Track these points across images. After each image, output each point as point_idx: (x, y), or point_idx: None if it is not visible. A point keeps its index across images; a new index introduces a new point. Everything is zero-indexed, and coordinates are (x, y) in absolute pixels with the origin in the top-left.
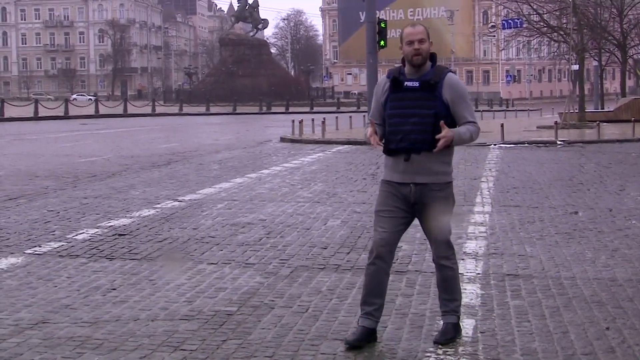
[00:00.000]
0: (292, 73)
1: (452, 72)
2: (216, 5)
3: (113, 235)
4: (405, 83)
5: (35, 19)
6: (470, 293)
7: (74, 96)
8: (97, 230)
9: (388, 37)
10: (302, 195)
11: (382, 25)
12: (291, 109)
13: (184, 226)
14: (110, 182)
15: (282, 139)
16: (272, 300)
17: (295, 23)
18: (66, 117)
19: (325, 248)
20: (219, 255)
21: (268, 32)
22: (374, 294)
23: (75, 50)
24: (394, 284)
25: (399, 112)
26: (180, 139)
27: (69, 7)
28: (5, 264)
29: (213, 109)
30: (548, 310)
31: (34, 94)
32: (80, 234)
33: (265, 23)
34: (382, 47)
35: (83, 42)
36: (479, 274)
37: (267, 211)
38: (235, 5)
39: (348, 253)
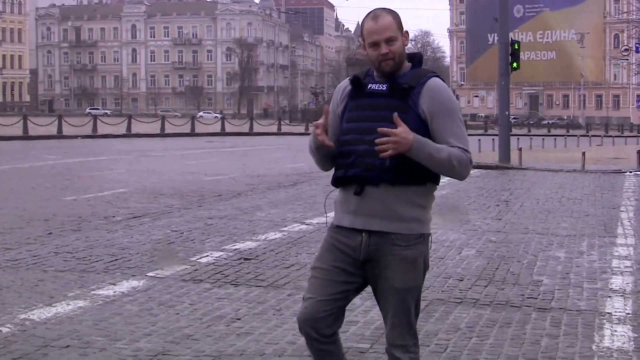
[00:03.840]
0: None
1: (439, 77)
2: (343, 25)
3: (238, 259)
4: (370, 86)
5: (165, 36)
6: (621, 336)
7: (200, 113)
8: (221, 253)
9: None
10: (434, 221)
11: (516, 46)
12: None
13: (312, 252)
14: (236, 202)
15: None
16: None
17: (422, 44)
18: (192, 134)
19: (461, 280)
20: None
21: None
22: None
23: (203, 68)
24: (538, 323)
25: (355, 127)
26: (306, 159)
27: (197, 25)
28: (126, 287)
29: None
30: None
31: (161, 111)
32: (204, 256)
33: None
34: (515, 69)
35: (211, 60)
36: (629, 313)
37: None
38: None
39: (486, 286)
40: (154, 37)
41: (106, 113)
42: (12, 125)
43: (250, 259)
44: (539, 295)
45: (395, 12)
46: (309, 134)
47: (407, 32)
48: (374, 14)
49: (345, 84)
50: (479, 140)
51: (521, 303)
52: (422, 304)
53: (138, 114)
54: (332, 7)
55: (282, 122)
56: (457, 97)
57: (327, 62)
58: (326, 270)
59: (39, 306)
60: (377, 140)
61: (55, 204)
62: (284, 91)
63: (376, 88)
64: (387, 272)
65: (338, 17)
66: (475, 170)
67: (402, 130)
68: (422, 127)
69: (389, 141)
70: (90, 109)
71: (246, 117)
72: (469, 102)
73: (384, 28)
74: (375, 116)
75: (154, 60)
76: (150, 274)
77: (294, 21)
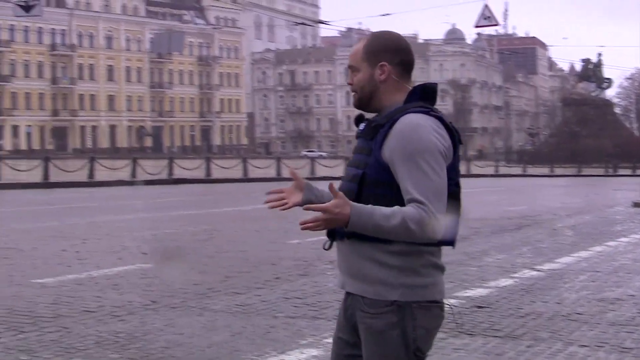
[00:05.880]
0: (638, 134)
1: (426, 112)
2: (557, 65)
3: (471, 307)
4: (360, 126)
5: None
6: None
7: None
8: (454, 300)
9: None
10: None
11: None
12: (639, 172)
13: (546, 300)
14: (462, 247)
15: (635, 204)
16: None
17: (639, 82)
18: None
19: None
20: (590, 337)
21: (611, 92)
22: None
23: None
24: None
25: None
26: (526, 202)
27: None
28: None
29: (557, 170)
30: None
31: None
32: None
33: (609, 82)
34: None
35: None
36: None
37: (635, 285)
38: (577, 65)
39: None
40: None
41: (322, 155)
42: (232, 168)
43: (484, 306)
44: None
45: (380, 39)
46: (527, 176)
47: (383, 64)
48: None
49: None
50: None
51: None
52: None
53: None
54: (545, 46)
55: (498, 164)
56: None
57: (541, 102)
58: (336, 331)
59: (272, 354)
60: (300, 222)
61: (281, 247)
62: (499, 132)
63: (359, 128)
64: (363, 347)
65: (551, 56)
66: None
67: (334, 204)
68: (383, 173)
69: (316, 219)
70: (306, 151)
71: (462, 159)
72: None
73: (350, 55)
74: (353, 160)
75: None
76: None
77: (507, 62)
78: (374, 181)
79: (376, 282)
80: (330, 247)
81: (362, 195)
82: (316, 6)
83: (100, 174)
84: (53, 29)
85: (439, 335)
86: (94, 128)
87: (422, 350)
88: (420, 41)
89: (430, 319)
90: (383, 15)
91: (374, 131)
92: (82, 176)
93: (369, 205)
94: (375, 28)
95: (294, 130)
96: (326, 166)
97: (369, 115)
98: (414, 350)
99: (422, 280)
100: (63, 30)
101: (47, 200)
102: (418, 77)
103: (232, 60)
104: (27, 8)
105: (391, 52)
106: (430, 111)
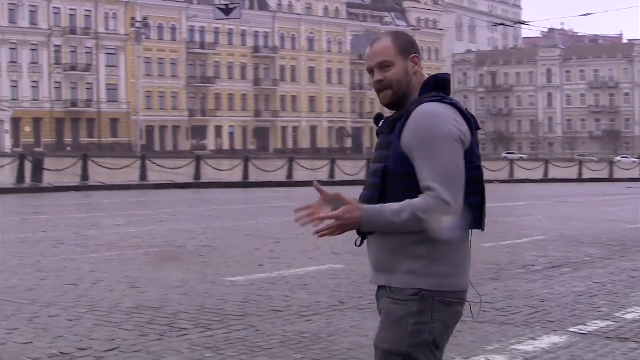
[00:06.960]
0: None
1: (441, 101)
2: None
3: None
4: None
5: (580, 80)
6: None
7: (618, 158)
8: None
9: None
10: None
11: None
12: None
13: None
14: None
15: None
16: None
17: None
18: (610, 179)
19: None
20: None
21: None
22: None
23: (620, 111)
24: None
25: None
26: None
27: (614, 67)
28: (546, 342)
29: None
30: None
31: (577, 155)
32: (629, 312)
33: None
34: None
35: (628, 103)
36: None
37: None
38: None
39: None
40: (570, 80)
41: (522, 157)
42: None
43: None
44: None
45: (403, 34)
46: None
47: (415, 55)
48: (374, 39)
49: None
50: None
51: None
52: None
53: (554, 158)
54: None
55: None
56: None
57: None
58: None
59: (456, 359)
60: (314, 231)
61: (474, 250)
62: None
63: (379, 125)
64: (379, 327)
65: None
66: None
67: (344, 210)
68: (403, 164)
69: (329, 226)
70: (505, 152)
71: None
72: None
73: (375, 53)
74: (376, 157)
75: (570, 104)
76: (571, 329)
77: None
78: (395, 174)
79: (405, 272)
80: (361, 243)
81: (386, 188)
82: (518, 7)
83: (299, 174)
84: (256, 31)
85: (630, 344)
86: (294, 128)
87: (438, 344)
88: (625, 41)
89: (448, 315)
90: (584, 14)
91: (392, 125)
92: (281, 176)
93: (379, 205)
94: (577, 28)
95: (494, 131)
96: (525, 168)
97: (388, 114)
98: (430, 341)
99: (450, 270)
100: (266, 32)
101: (245, 199)
102: (622, 77)
103: (433, 62)
104: (226, 11)
105: (416, 46)
106: (443, 99)
